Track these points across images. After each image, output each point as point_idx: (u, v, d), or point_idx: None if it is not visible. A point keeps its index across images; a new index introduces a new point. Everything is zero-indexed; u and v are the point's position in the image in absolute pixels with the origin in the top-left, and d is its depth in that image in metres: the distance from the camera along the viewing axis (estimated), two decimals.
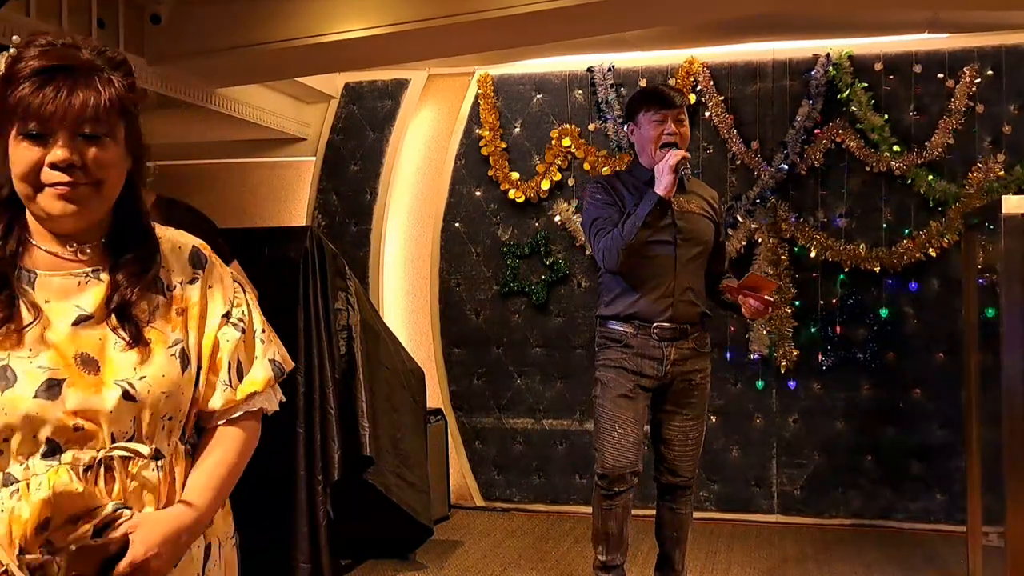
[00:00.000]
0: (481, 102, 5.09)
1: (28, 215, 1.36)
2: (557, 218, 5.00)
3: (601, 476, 3.20)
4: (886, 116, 4.63)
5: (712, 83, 4.80)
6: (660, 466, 3.29)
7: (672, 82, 4.84)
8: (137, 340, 1.35)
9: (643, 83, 4.91)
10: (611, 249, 3.08)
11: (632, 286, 3.15)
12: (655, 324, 3.12)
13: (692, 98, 4.80)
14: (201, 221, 3.00)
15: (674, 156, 3.01)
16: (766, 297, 3.11)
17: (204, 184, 5.20)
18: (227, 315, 1.46)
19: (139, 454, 1.34)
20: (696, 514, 4.85)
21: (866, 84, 4.63)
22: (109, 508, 1.28)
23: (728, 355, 4.83)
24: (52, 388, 1.28)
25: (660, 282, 3.13)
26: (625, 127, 3.35)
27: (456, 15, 3.52)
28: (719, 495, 4.89)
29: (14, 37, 1.30)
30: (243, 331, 1.47)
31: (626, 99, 4.92)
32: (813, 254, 4.69)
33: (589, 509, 4.94)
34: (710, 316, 3.27)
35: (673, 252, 3.13)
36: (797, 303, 4.72)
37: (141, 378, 1.34)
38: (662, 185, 3.00)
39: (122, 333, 1.34)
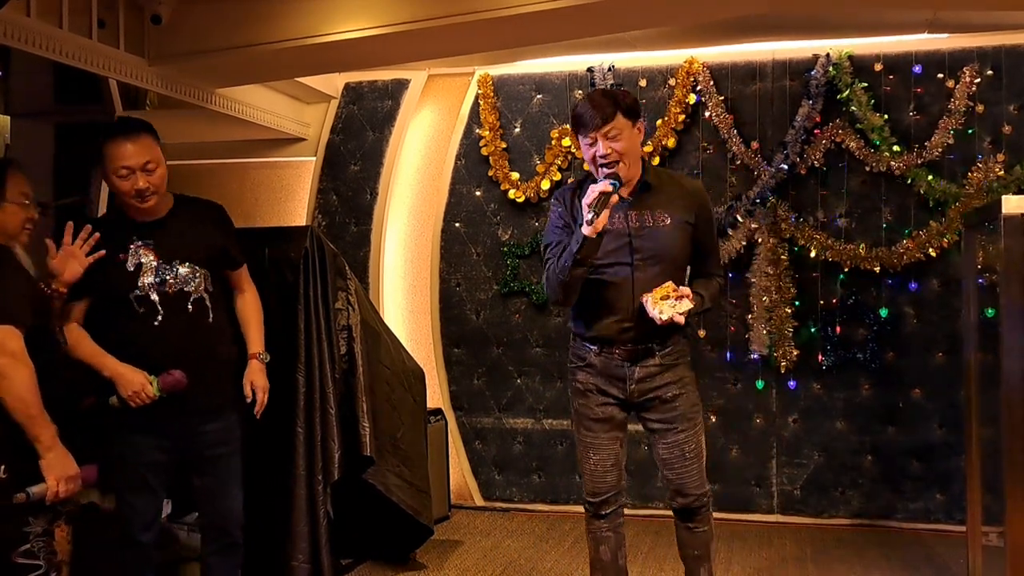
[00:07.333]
0: (481, 102, 5.09)
1: None
2: None
3: (586, 501, 3.06)
4: (886, 116, 4.63)
5: (712, 83, 4.80)
6: (668, 490, 3.09)
7: (672, 82, 4.84)
8: None
9: (643, 83, 4.91)
10: (550, 284, 2.87)
11: (591, 309, 2.92)
12: (616, 348, 2.91)
13: (692, 98, 4.81)
14: None
15: (591, 193, 2.72)
16: None
17: (204, 184, 5.20)
18: None
19: None
20: None
21: (866, 84, 4.63)
22: None
23: (728, 355, 4.83)
24: None
25: (619, 306, 2.87)
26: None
27: (456, 15, 3.51)
28: (719, 495, 4.88)
29: None
30: None
31: None
32: (813, 254, 4.69)
33: None
34: (685, 326, 2.88)
35: (630, 275, 2.86)
36: (797, 303, 4.72)
37: None
38: (586, 224, 2.70)
39: None
